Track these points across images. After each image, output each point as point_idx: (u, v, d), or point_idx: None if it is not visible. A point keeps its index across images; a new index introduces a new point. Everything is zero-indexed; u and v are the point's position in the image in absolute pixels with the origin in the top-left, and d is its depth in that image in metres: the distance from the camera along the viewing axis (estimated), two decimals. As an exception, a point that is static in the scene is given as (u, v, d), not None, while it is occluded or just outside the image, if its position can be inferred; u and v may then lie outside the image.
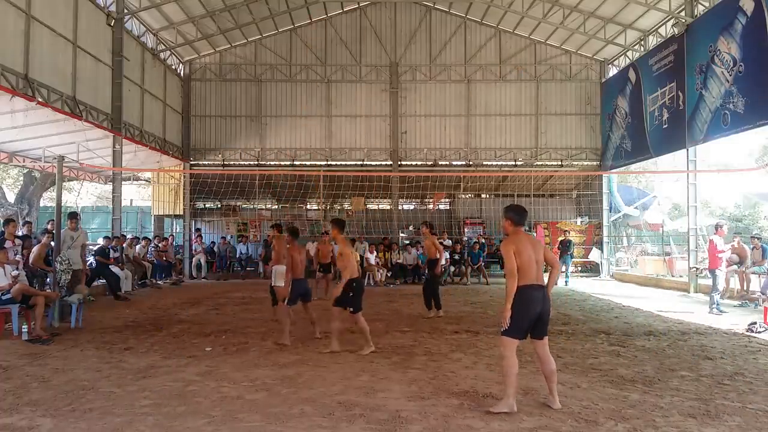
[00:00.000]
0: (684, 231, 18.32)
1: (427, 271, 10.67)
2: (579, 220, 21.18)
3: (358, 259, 15.99)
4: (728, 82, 12.61)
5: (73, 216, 10.49)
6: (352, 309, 6.91)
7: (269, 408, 4.73)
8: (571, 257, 17.35)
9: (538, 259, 4.76)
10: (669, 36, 15.51)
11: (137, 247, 15.68)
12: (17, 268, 9.05)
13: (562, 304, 11.95)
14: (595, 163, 20.43)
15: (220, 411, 4.64)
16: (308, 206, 21.86)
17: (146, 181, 23.66)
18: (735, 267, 12.21)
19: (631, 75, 17.67)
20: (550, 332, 8.33)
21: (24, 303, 7.93)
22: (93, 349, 7.12)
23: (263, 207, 21.96)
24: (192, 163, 20.27)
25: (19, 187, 22.95)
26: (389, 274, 16.99)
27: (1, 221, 13.29)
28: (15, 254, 9.60)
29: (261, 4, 17.87)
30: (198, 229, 19.68)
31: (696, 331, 8.66)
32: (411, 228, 20.52)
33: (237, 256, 19.81)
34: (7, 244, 9.34)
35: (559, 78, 20.48)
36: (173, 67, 19.25)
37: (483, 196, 22.31)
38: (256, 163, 20.36)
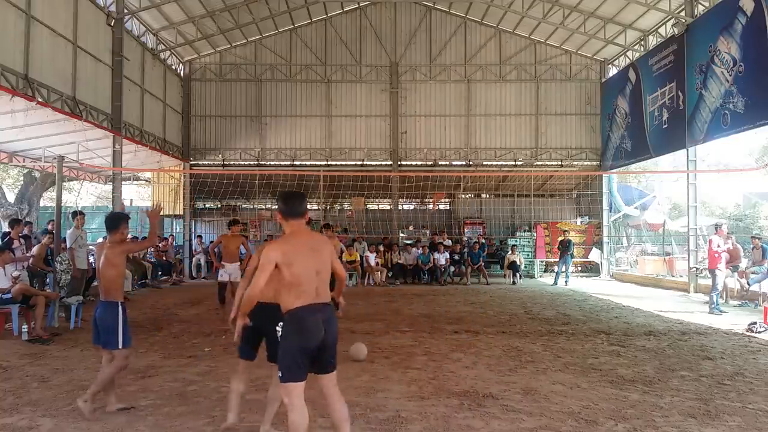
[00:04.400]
0: (683, 231, 18.32)
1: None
2: (579, 220, 21.16)
3: (359, 258, 16.24)
4: (728, 82, 12.60)
5: (78, 214, 10.58)
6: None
7: (269, 408, 4.73)
8: (572, 257, 17.34)
9: (319, 269, 3.40)
10: (669, 36, 15.50)
11: (137, 247, 15.68)
12: (23, 267, 9.12)
13: (562, 304, 11.94)
14: (595, 163, 20.42)
15: (220, 411, 4.63)
16: (308, 206, 21.83)
17: (146, 181, 23.65)
18: (729, 270, 12.16)
19: (631, 75, 17.66)
20: (551, 332, 8.45)
21: (24, 303, 7.94)
22: (93, 349, 7.10)
23: (263, 207, 21.94)
24: (192, 163, 20.26)
25: (19, 187, 22.91)
26: (390, 274, 17.00)
27: (5, 222, 13.36)
28: (23, 252, 9.73)
29: (261, 4, 17.86)
30: (199, 236, 19.66)
31: (696, 331, 8.66)
32: (411, 228, 20.51)
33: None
34: (15, 244, 9.45)
35: (559, 78, 20.46)
36: (173, 67, 19.24)
37: (483, 196, 22.30)
38: (256, 163, 20.35)
